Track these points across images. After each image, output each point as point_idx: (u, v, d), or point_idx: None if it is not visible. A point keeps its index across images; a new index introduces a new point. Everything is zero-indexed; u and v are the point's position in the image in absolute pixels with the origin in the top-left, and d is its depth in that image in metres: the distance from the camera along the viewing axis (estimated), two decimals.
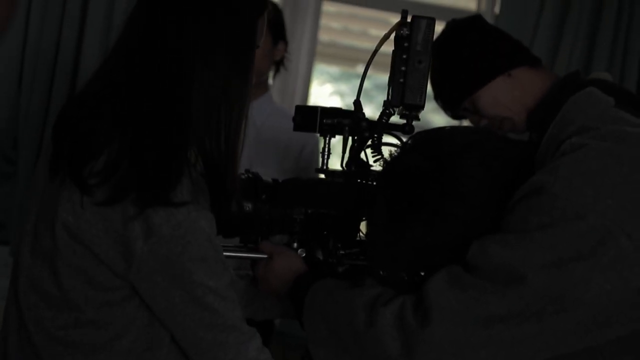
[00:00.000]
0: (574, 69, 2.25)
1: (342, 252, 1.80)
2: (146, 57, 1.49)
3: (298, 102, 3.49)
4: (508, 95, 2.08)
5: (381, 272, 1.58)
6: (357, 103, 1.80)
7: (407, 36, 1.71)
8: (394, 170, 1.59)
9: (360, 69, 4.29)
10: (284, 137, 2.93)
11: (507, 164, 1.52)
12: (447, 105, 2.20)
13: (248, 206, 1.73)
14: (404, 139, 1.81)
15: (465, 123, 3.15)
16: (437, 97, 2.20)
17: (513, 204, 1.43)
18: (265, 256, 1.78)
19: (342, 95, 4.45)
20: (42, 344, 1.50)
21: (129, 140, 1.46)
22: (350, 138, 1.82)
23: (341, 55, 4.04)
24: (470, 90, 2.11)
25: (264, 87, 3.00)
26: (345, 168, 1.83)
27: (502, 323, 1.37)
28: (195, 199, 1.45)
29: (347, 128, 1.80)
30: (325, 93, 4.39)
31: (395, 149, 1.69)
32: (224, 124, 1.50)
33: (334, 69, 4.32)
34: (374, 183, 1.79)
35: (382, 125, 1.77)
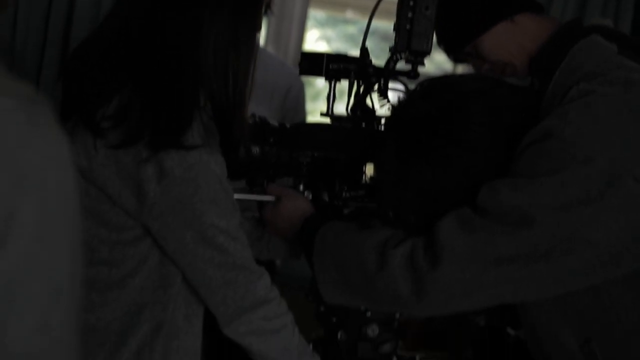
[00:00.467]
0: (571, 17, 2.27)
1: (347, 194, 1.83)
2: (155, 4, 1.51)
3: (293, 48, 3.50)
4: (511, 40, 2.09)
5: (389, 214, 1.62)
6: (364, 49, 1.83)
7: None
8: (402, 116, 1.62)
9: (349, 14, 4.29)
10: (271, 77, 2.97)
11: (513, 111, 1.55)
12: (450, 49, 2.21)
13: (256, 149, 1.75)
14: (409, 85, 1.84)
15: (460, 69, 3.18)
16: (440, 41, 2.22)
17: (522, 149, 1.47)
18: (272, 198, 1.81)
19: (328, 40, 4.44)
20: None
21: (140, 85, 1.48)
22: (355, 83, 1.84)
23: (329, 0, 4.03)
24: (473, 35, 2.12)
25: None
26: (350, 113, 1.86)
27: (511, 264, 1.42)
28: (206, 142, 1.48)
29: (352, 73, 1.83)
30: (311, 38, 4.38)
31: (403, 94, 1.71)
32: (231, 70, 1.52)
33: (320, 14, 4.31)
34: (379, 128, 1.82)
35: (389, 71, 1.79)
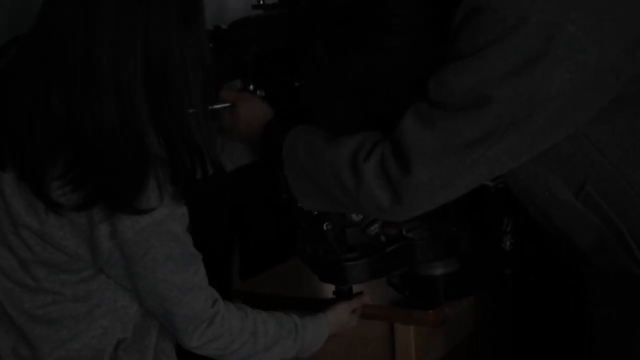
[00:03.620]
0: None
1: (297, 84, 1.77)
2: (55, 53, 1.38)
3: None
4: None
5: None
6: None
7: None
8: (325, 10, 1.56)
9: None
10: None
11: None
12: None
13: None
14: None
15: None
16: None
17: (455, 31, 1.41)
18: (228, 104, 1.74)
19: None
20: (26, 326, 1.50)
21: (84, 150, 1.38)
22: None
23: None
24: None
25: None
26: None
27: (482, 144, 1.39)
28: (164, 196, 1.41)
29: None
30: None
31: None
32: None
33: None
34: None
35: None
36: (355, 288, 1.89)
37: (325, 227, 1.79)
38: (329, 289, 1.90)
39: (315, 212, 1.80)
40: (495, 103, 1.36)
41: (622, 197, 1.48)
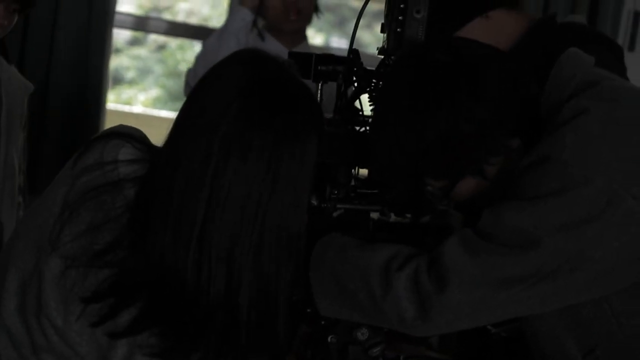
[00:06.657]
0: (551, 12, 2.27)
1: (336, 196, 1.82)
2: None
3: None
4: (484, 37, 2.09)
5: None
6: (353, 51, 1.80)
7: None
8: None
9: None
10: None
11: (526, 81, 1.61)
12: None
13: None
14: None
15: None
16: None
17: (523, 170, 1.51)
18: None
19: None
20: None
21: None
22: (343, 85, 1.82)
23: None
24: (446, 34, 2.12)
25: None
26: (339, 116, 1.83)
27: (519, 284, 1.46)
28: None
29: (341, 75, 1.81)
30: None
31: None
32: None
33: None
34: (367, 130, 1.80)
35: (380, 75, 1.78)
36: None
37: (329, 340, 1.83)
38: None
39: (323, 322, 1.84)
40: (543, 248, 1.44)
41: None
